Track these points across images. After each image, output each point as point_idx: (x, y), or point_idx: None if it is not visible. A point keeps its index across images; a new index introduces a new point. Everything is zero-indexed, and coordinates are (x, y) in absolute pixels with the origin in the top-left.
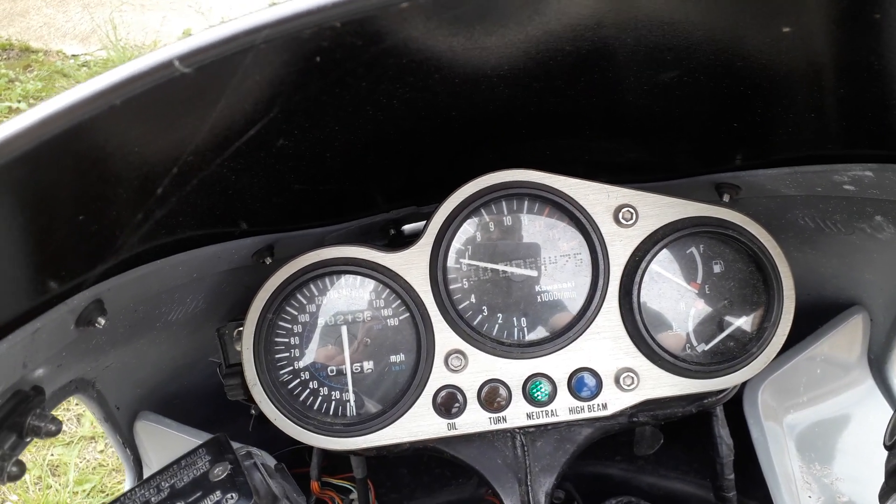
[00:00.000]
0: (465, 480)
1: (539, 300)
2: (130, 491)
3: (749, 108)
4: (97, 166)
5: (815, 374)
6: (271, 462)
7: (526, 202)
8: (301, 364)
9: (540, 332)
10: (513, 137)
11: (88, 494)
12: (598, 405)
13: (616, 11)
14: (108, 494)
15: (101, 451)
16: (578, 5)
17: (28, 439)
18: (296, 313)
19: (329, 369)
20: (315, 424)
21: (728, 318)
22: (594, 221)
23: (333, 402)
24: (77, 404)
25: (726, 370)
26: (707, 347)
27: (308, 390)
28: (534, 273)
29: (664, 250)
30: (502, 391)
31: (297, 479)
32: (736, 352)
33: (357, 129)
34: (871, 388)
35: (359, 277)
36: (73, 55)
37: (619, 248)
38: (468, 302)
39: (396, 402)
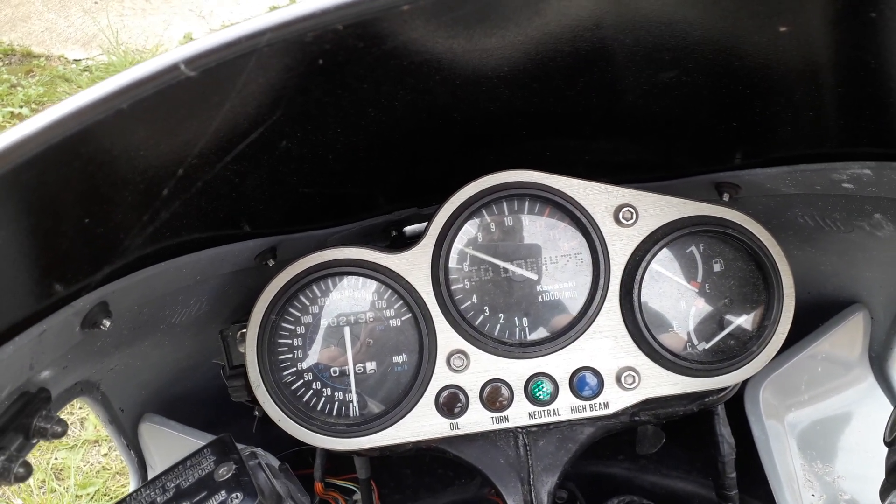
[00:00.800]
0: (467, 481)
1: (540, 300)
2: (136, 491)
3: (747, 107)
4: (103, 169)
5: (816, 372)
6: (275, 463)
7: (527, 202)
8: (304, 365)
9: (541, 332)
10: (513, 138)
11: (92, 498)
12: (600, 404)
13: (615, 13)
14: (111, 498)
15: (105, 455)
16: (578, 7)
17: (34, 441)
18: (299, 314)
19: (332, 370)
20: (318, 425)
21: (728, 317)
22: (595, 221)
23: (337, 403)
24: (81, 408)
25: (727, 368)
26: (708, 346)
27: (311, 391)
28: (535, 273)
29: (664, 249)
30: (504, 391)
31: (301, 481)
32: (737, 350)
33: (359, 130)
34: (872, 385)
35: (361, 279)
36: (75, 60)
37: (620, 247)
38: (470, 302)
39: (399, 403)
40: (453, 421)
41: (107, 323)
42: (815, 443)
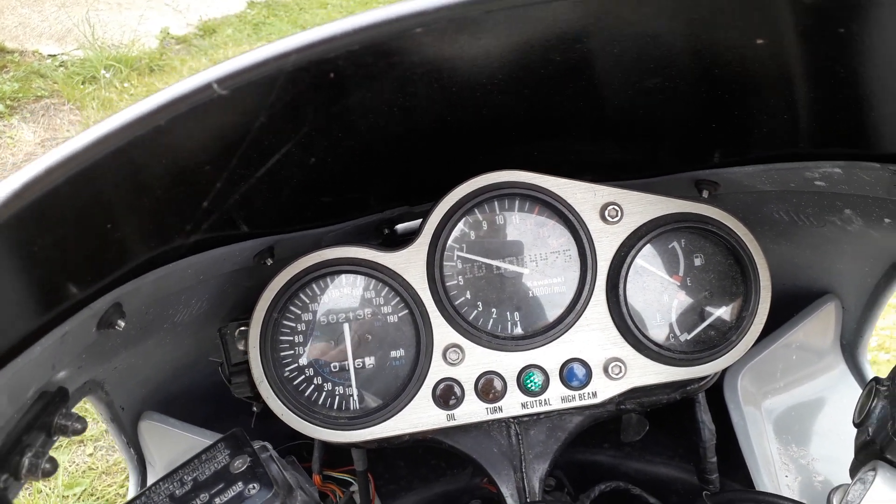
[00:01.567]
0: (460, 471)
1: (531, 295)
2: (154, 485)
3: (726, 110)
4: (130, 179)
5: (790, 360)
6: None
7: (517, 202)
8: (305, 361)
9: (532, 326)
10: (504, 140)
11: (79, 498)
12: (589, 394)
13: (603, 26)
14: (98, 498)
15: (91, 455)
16: (568, 20)
17: (55, 438)
18: (299, 312)
19: (332, 365)
20: (320, 419)
21: (709, 309)
22: (582, 219)
23: (337, 397)
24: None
25: (708, 358)
26: (689, 336)
27: (312, 386)
28: (525, 269)
29: (648, 245)
30: (498, 383)
31: None
32: (717, 340)
33: (358, 135)
34: (843, 372)
35: (359, 276)
36: (50, 55)
37: (606, 244)
38: (464, 298)
39: (398, 396)
40: (450, 412)
41: (121, 323)
42: (790, 427)
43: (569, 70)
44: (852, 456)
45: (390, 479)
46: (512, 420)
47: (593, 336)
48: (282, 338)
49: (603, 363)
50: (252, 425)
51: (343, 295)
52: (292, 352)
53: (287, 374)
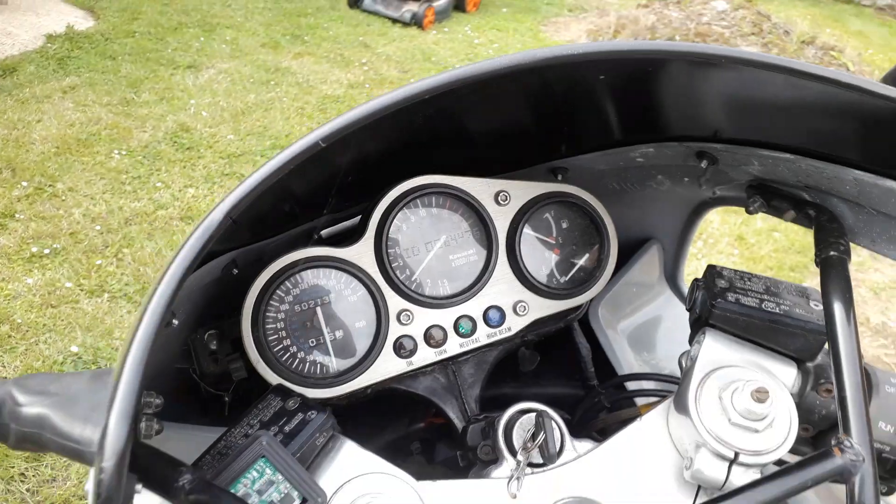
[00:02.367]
0: (398, 425)
1: (454, 265)
2: (227, 432)
3: (566, 119)
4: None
5: (632, 292)
6: None
7: (433, 198)
8: (289, 341)
9: (459, 287)
10: (414, 156)
11: None
12: (505, 328)
13: (478, 95)
14: None
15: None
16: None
17: None
18: (278, 304)
19: (310, 341)
20: (311, 382)
21: (576, 258)
22: (482, 205)
23: (319, 365)
24: None
25: (580, 291)
26: (566, 278)
27: (297, 359)
28: (447, 247)
29: (530, 218)
30: (439, 333)
31: None
32: (585, 278)
33: (324, 166)
34: (670, 296)
35: (323, 269)
36: None
37: (502, 221)
38: (406, 273)
39: (368, 355)
40: (408, 360)
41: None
42: (640, 340)
43: (448, 113)
44: (687, 346)
45: (352, 434)
46: (449, 362)
47: (502, 288)
48: (268, 325)
49: (512, 305)
50: (226, 412)
51: (312, 286)
52: (277, 336)
53: (277, 353)
